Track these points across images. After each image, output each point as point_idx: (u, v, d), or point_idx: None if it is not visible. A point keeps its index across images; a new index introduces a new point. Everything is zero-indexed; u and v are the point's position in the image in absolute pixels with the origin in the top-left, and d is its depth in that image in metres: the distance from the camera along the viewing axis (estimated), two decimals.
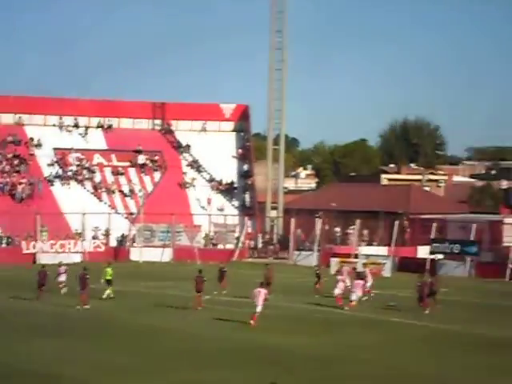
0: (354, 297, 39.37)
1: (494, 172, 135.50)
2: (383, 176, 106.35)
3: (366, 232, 68.51)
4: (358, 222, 65.15)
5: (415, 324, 35.31)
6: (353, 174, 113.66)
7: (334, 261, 58.88)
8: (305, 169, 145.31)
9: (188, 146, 77.98)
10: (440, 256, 60.48)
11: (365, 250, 64.49)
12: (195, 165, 76.95)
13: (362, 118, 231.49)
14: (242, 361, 27.20)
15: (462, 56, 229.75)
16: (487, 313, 39.47)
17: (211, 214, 70.92)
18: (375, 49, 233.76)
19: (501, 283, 50.88)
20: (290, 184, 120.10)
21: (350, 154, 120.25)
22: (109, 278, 41.09)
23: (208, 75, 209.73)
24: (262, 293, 33.63)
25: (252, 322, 33.23)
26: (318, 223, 66.13)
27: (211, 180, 75.85)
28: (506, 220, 66.58)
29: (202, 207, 72.78)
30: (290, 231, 66.96)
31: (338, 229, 70.08)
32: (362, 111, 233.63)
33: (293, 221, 67.11)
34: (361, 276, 42.03)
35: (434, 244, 60.57)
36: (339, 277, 40.92)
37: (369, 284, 42.38)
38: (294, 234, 67.06)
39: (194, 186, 74.90)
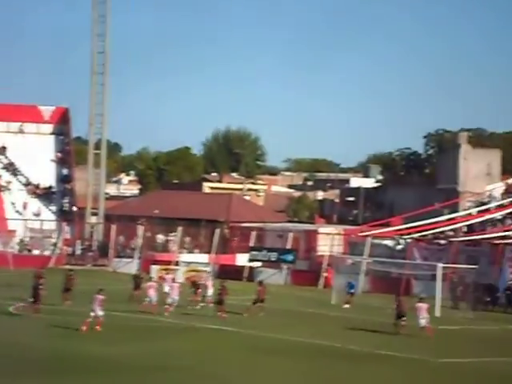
0: (169, 300, 39.66)
1: (310, 183, 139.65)
2: (205, 184, 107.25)
3: (187, 239, 68.67)
4: (179, 229, 65.22)
5: (235, 331, 35.67)
6: (176, 181, 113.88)
7: (155, 268, 58.67)
8: (127, 175, 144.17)
9: (3, 148, 75.45)
10: (258, 264, 61.54)
11: (186, 257, 64.67)
12: (11, 167, 74.53)
13: (186, 125, 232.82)
14: (61, 369, 26.56)
15: (286, 68, 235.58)
16: (302, 319, 40.44)
17: (27, 218, 68.92)
18: (199, 54, 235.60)
19: (314, 291, 52.30)
20: (112, 190, 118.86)
21: (174, 162, 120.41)
22: None
23: (28, 76, 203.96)
24: (98, 298, 33.50)
25: (84, 327, 32.99)
26: (140, 230, 65.67)
27: (28, 184, 73.73)
28: (321, 229, 68.73)
29: (18, 212, 70.61)
30: (111, 238, 66.10)
31: (159, 236, 69.88)
32: (186, 119, 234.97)
33: (113, 227, 66.30)
34: (196, 285, 42.35)
35: (253, 252, 61.57)
36: (149, 283, 40.60)
37: (209, 292, 42.34)
38: (115, 240, 66.26)
39: (9, 189, 72.56)
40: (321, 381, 26.64)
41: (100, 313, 33.78)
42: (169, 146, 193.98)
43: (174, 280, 42.93)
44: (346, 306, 45.48)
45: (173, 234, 67.24)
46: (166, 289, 41.40)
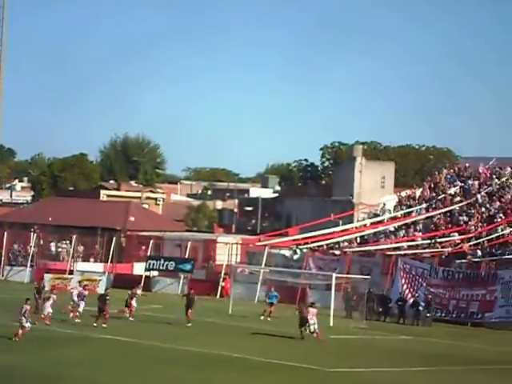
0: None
1: (209, 192, 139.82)
2: (103, 192, 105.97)
3: (81, 248, 67.72)
4: (74, 237, 64.32)
5: (132, 341, 35.42)
6: (71, 188, 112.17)
7: (48, 277, 57.70)
8: (20, 181, 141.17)
9: None
10: (155, 273, 61.19)
11: (81, 266, 63.80)
12: None
13: (83, 132, 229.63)
14: None
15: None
16: (200, 329, 40.44)
17: None
18: (98, 56, 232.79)
19: (212, 300, 52.32)
20: (5, 196, 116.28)
21: (70, 168, 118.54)
22: None
23: None
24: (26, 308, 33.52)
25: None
26: (33, 238, 64.43)
27: None
28: (220, 239, 68.89)
29: None
30: (3, 245, 64.58)
31: (53, 244, 68.69)
32: (83, 124, 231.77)
33: (6, 234, 64.84)
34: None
35: (150, 261, 61.19)
36: (53, 295, 39.88)
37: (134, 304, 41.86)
38: (7, 248, 64.74)
39: None
40: None
41: (27, 324, 33.53)
42: (64, 152, 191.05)
43: (84, 288, 42.28)
44: (264, 317, 44.96)
45: (67, 241, 66.24)
46: (75, 297, 40.79)
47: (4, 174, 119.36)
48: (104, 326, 38.14)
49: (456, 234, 57.69)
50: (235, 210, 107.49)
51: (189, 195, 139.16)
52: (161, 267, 60.61)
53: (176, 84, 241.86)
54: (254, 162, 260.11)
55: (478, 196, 62.23)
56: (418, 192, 66.87)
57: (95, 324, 38.52)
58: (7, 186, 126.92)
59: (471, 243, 55.44)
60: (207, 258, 66.95)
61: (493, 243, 55.03)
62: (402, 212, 64.28)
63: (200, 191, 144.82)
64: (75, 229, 65.74)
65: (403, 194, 68.38)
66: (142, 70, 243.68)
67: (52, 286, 55.77)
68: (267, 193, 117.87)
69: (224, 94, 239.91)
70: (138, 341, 35.47)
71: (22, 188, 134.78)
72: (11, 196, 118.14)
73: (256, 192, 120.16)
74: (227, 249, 61.75)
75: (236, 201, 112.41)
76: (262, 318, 45.13)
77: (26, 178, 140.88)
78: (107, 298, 39.54)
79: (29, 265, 63.00)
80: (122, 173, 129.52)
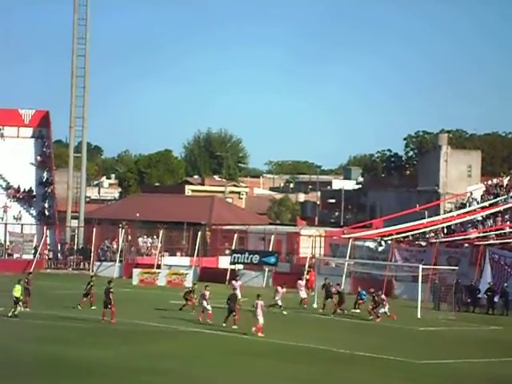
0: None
1: (292, 185, 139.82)
2: (187, 187, 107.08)
3: (169, 242, 68.55)
4: (161, 232, 65.13)
5: (221, 335, 35.69)
6: (157, 184, 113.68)
7: (137, 271, 58.62)
8: (108, 178, 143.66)
9: None
10: (240, 266, 61.52)
11: (168, 260, 64.57)
12: None
13: (167, 128, 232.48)
14: (47, 374, 26.49)
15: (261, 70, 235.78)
16: (286, 322, 40.48)
17: (7, 222, 68.53)
18: (180, 56, 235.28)
19: (297, 293, 52.17)
20: (93, 193, 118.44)
21: (155, 165, 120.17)
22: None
23: (7, 79, 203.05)
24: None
25: None
26: (121, 233, 65.51)
27: (8, 187, 73.33)
28: (303, 232, 68.84)
29: None
30: (92, 241, 65.87)
31: (141, 239, 69.70)
32: (167, 122, 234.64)
33: (94, 231, 66.09)
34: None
35: (235, 254, 61.56)
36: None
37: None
38: (96, 244, 65.99)
39: None
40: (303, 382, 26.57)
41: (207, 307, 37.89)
42: (150, 148, 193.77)
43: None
44: (356, 310, 45.02)
45: (154, 237, 67.11)
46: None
47: (92, 172, 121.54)
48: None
49: None
50: (318, 203, 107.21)
51: (271, 189, 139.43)
52: (245, 260, 60.94)
53: (255, 78, 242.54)
54: (336, 153, 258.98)
55: None
56: (506, 180, 65.50)
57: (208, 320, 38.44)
58: (95, 183, 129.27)
59: None
60: (291, 250, 66.98)
61: None
62: (490, 201, 63.08)
63: (282, 184, 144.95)
64: (161, 224, 66.54)
65: (490, 182, 67.10)
66: (221, 64, 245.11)
67: (140, 280, 56.73)
68: (350, 184, 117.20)
69: (304, 86, 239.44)
70: (225, 334, 35.68)
71: (110, 185, 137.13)
72: (99, 193, 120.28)
73: (339, 184, 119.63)
74: (311, 241, 61.67)
75: (318, 193, 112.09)
76: (352, 310, 44.88)
77: (113, 175, 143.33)
78: (205, 294, 39.45)
79: (118, 260, 64.09)
80: (206, 168, 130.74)
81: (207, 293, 39.47)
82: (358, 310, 44.79)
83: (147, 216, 74.68)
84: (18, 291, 38.63)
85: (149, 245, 68.31)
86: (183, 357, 30.11)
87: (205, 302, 38.90)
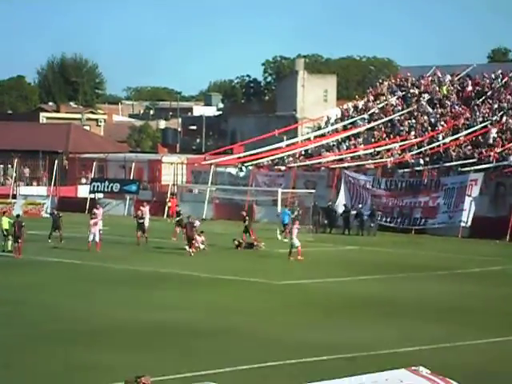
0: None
1: (152, 112, 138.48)
2: (42, 114, 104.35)
3: (26, 171, 66.93)
4: (15, 161, 63.39)
5: (79, 264, 35.37)
6: (10, 112, 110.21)
7: None
8: None
9: None
10: (100, 195, 60.85)
11: (24, 190, 63.13)
12: None
13: (19, 53, 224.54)
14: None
15: None
16: (148, 250, 40.51)
17: None
18: None
19: (159, 221, 52.12)
20: None
21: (7, 91, 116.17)
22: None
23: None
24: None
25: None
26: None
27: None
28: (164, 159, 68.59)
29: None
30: None
31: None
32: (18, 46, 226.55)
33: None
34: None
35: (94, 183, 60.72)
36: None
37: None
38: None
39: None
40: (159, 305, 26.70)
41: None
42: (1, 75, 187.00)
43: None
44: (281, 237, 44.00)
45: (9, 166, 65.33)
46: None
47: None
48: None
49: (398, 144, 58.20)
50: (179, 130, 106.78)
51: (130, 115, 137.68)
52: (106, 189, 60.30)
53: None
54: (196, 79, 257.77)
55: (419, 105, 62.63)
56: (360, 104, 67.01)
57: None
58: None
59: (413, 152, 56.03)
60: (152, 178, 66.71)
61: (434, 151, 55.70)
62: (345, 123, 64.48)
63: (142, 111, 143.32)
64: (16, 152, 64.70)
65: (345, 106, 68.47)
66: None
67: None
68: (211, 111, 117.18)
69: (163, 8, 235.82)
70: (85, 263, 35.41)
71: None
72: None
73: (199, 110, 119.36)
74: (172, 169, 61.51)
75: (179, 120, 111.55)
76: (279, 237, 44.01)
77: None
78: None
79: None
80: (61, 94, 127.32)
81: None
82: (286, 240, 42.25)
83: (0, 145, 72.48)
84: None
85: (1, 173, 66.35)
86: (40, 286, 29.74)
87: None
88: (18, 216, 39.27)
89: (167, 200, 56.30)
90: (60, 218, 41.44)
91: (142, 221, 41.71)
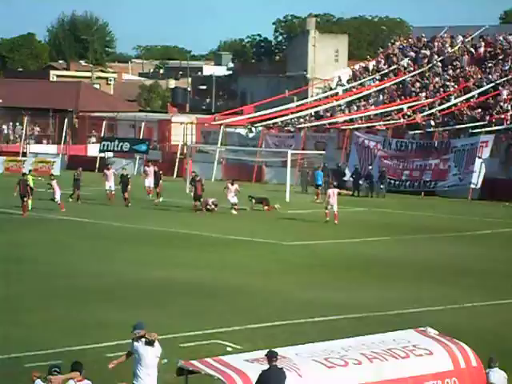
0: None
1: (161, 71, 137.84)
2: (52, 72, 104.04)
3: (37, 129, 67.01)
4: (25, 119, 63.40)
5: (91, 222, 35.54)
6: (20, 69, 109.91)
7: (1, 159, 57.23)
8: None
9: None
10: (110, 154, 60.88)
11: (34, 148, 63.24)
12: None
13: (29, 11, 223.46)
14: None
15: None
16: (155, 208, 40.64)
17: None
18: None
19: (169, 181, 52.19)
20: None
21: (17, 49, 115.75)
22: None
23: None
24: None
25: None
26: None
27: None
28: (174, 119, 68.46)
29: None
30: None
31: (4, 126, 67.76)
32: (29, 4, 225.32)
33: None
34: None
35: (104, 142, 60.74)
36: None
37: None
38: None
39: None
40: (169, 264, 26.87)
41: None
42: (11, 32, 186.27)
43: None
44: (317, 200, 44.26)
45: (18, 124, 65.42)
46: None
47: None
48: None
49: (408, 104, 57.90)
50: (189, 89, 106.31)
51: (141, 74, 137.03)
52: (115, 148, 60.27)
53: None
54: (206, 38, 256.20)
55: (430, 65, 62.22)
56: (372, 64, 66.60)
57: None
58: None
59: (424, 114, 55.78)
60: (162, 138, 66.64)
61: (445, 112, 55.44)
62: (356, 84, 64.15)
63: (152, 70, 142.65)
64: (26, 110, 64.67)
65: (357, 66, 68.06)
66: None
67: (5, 168, 55.43)
68: (221, 70, 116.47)
69: None
70: (96, 221, 35.59)
71: None
72: None
73: (209, 70, 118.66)
74: (182, 129, 61.43)
75: (189, 79, 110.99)
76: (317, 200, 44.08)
77: None
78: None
79: None
80: (71, 52, 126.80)
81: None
82: (318, 201, 43.20)
83: (11, 102, 72.39)
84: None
85: (9, 130, 66.39)
86: (52, 244, 29.92)
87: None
88: (23, 174, 38.90)
89: (185, 162, 55.37)
90: (79, 179, 41.33)
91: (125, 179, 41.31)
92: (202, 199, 38.93)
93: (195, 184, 39.46)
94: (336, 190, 37.53)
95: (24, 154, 59.95)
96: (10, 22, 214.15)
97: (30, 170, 40.85)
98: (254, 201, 40.56)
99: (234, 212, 38.80)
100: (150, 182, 43.77)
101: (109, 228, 34.27)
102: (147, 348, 13.01)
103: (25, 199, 36.44)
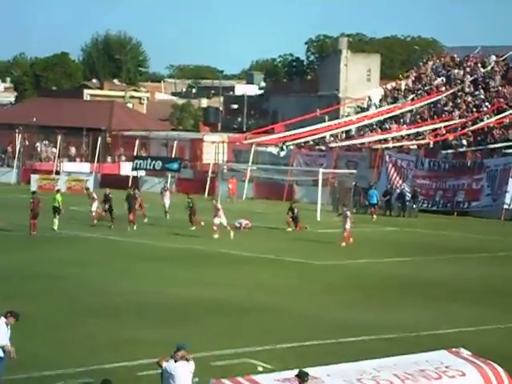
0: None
1: (194, 91, 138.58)
2: (86, 91, 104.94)
3: (71, 149, 67.58)
4: (59, 137, 63.96)
5: (120, 240, 35.69)
6: (54, 88, 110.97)
7: (35, 177, 57.72)
8: (3, 81, 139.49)
9: None
10: (142, 173, 61.20)
11: (67, 166, 63.73)
12: None
13: (63, 30, 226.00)
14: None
15: None
16: (182, 230, 40.77)
17: None
18: None
19: (200, 200, 52.29)
20: None
21: (52, 68, 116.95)
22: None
23: None
24: None
25: None
26: (19, 138, 64.02)
27: None
28: (206, 138, 68.73)
29: None
30: None
31: (38, 144, 68.41)
32: (64, 23, 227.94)
33: None
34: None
35: (137, 160, 61.09)
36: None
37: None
38: None
39: None
40: (200, 282, 26.88)
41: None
42: (46, 51, 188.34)
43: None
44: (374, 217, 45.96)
45: (52, 142, 66.02)
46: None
47: None
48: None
49: (442, 124, 57.65)
50: (220, 108, 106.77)
51: (173, 93, 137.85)
52: (148, 167, 60.59)
53: None
54: (238, 58, 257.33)
55: (463, 85, 61.96)
56: (404, 84, 66.46)
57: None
58: None
59: (457, 133, 55.48)
60: (194, 157, 66.92)
61: (478, 132, 55.10)
62: (388, 105, 64.01)
63: (184, 89, 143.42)
64: (60, 129, 65.27)
65: (389, 86, 67.95)
66: None
67: (39, 186, 55.88)
68: (253, 90, 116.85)
69: None
70: (124, 239, 35.71)
71: (5, 89, 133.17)
72: None
73: (241, 89, 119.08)
74: (214, 147, 61.64)
75: (221, 98, 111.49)
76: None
77: (8, 79, 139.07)
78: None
79: (15, 165, 62.81)
80: (105, 71, 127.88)
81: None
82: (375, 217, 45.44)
83: (45, 121, 73.08)
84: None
85: (43, 148, 66.92)
86: (82, 262, 30.05)
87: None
88: (33, 193, 38.52)
89: (228, 181, 55.24)
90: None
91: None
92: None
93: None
94: (348, 213, 36.96)
95: (57, 173, 60.44)
96: (45, 41, 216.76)
97: (57, 190, 40.60)
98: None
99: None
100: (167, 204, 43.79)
101: (136, 246, 34.35)
102: (183, 363, 13.14)
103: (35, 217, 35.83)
